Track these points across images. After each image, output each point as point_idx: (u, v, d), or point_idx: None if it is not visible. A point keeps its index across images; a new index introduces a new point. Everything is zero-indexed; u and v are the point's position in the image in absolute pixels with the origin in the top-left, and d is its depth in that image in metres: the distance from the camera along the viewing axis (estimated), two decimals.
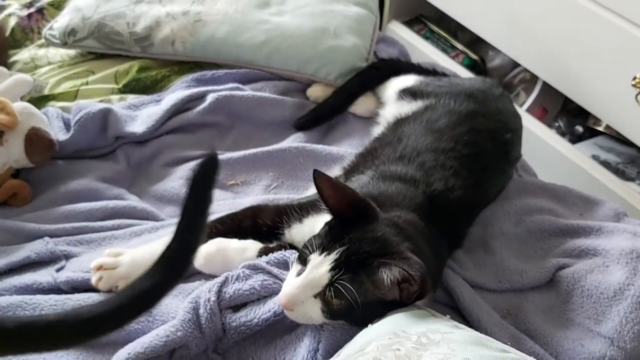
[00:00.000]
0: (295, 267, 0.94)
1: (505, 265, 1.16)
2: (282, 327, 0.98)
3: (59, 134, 1.38)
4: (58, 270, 1.12)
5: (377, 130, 1.36)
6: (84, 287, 1.10)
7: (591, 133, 2.08)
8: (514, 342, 1.00)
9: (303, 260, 0.92)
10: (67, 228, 1.22)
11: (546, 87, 2.08)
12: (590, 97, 1.82)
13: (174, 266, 0.72)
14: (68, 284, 1.09)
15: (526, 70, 2.23)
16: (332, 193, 0.91)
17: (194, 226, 0.72)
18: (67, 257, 1.16)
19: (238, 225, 1.12)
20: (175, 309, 1.03)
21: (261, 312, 0.97)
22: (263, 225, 1.11)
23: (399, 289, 0.87)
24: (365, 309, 0.86)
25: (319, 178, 0.90)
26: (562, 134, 2.08)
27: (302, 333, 0.95)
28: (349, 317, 0.89)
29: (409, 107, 1.33)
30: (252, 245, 1.08)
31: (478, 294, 1.10)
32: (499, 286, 1.13)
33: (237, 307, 1.00)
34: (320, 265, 0.88)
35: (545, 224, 1.24)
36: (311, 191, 1.25)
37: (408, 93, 1.37)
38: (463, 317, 1.06)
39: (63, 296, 1.07)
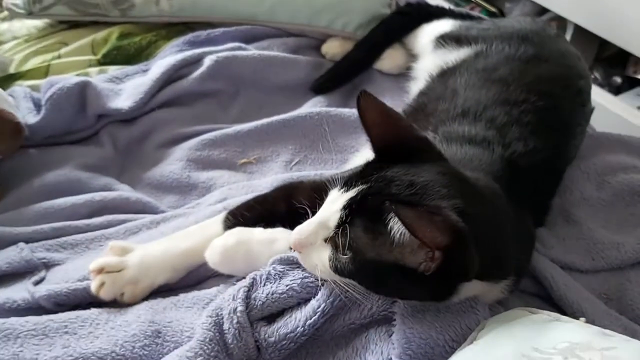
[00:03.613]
0: None
1: (596, 239, 1.01)
2: (331, 338, 0.79)
3: (28, 117, 1.24)
4: (36, 283, 0.96)
5: (418, 86, 1.22)
6: (71, 302, 0.93)
7: (630, 83, 1.96)
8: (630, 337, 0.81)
9: None
10: (45, 230, 1.07)
11: (577, 33, 1.93)
12: (631, 38, 1.66)
13: None
14: (50, 300, 0.92)
15: (551, 19, 2.06)
16: (378, 119, 0.76)
17: None
18: (48, 266, 1.00)
19: (269, 211, 0.95)
20: (190, 326, 0.86)
21: (303, 315, 0.79)
22: (300, 206, 0.90)
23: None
24: (379, 271, 0.71)
25: (365, 97, 0.75)
26: (600, 86, 1.95)
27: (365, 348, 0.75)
28: (358, 276, 0.74)
29: (455, 55, 1.18)
30: (282, 234, 0.89)
31: None
32: (593, 265, 0.98)
33: (272, 317, 0.82)
34: (334, 203, 0.75)
35: (634, 184, 1.09)
36: (353, 163, 1.08)
37: (449, 39, 1.23)
38: (558, 308, 0.87)
39: (44, 317, 0.88)
